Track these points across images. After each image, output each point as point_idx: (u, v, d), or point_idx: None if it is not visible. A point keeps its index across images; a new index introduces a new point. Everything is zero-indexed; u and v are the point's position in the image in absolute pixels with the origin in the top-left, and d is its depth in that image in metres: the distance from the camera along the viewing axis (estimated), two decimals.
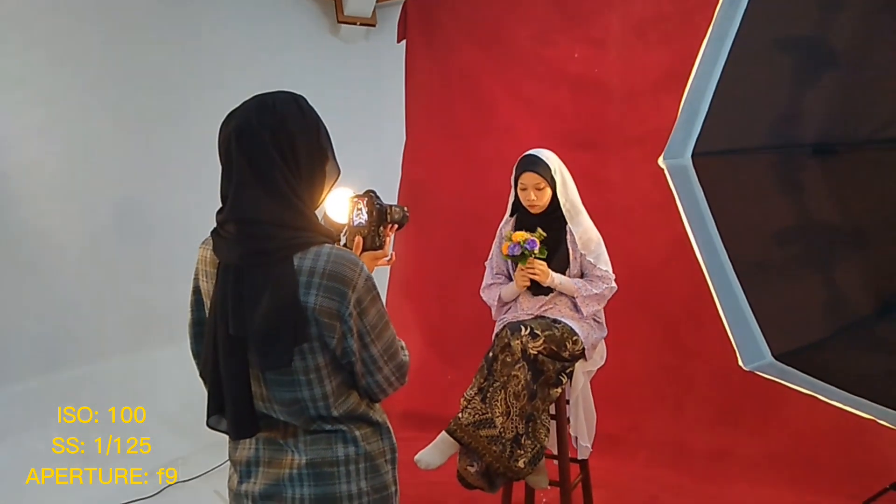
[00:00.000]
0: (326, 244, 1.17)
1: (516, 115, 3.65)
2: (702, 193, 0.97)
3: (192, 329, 1.32)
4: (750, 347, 0.99)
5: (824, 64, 0.89)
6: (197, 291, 1.29)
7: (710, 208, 0.96)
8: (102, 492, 3.01)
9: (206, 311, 1.24)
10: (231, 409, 1.16)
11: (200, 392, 3.97)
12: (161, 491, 3.10)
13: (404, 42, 4.08)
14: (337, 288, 1.13)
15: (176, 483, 3.18)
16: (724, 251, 0.96)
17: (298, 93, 1.24)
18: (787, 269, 0.97)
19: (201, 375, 1.26)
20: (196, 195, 3.91)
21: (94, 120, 3.41)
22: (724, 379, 3.14)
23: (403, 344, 1.31)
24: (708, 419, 3.16)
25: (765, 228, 0.97)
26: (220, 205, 1.21)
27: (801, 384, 1.02)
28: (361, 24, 5.04)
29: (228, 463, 1.35)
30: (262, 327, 1.10)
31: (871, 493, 2.72)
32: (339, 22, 5.00)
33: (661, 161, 1.05)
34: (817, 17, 0.90)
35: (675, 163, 0.98)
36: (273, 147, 1.14)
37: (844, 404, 1.03)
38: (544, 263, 2.46)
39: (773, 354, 0.97)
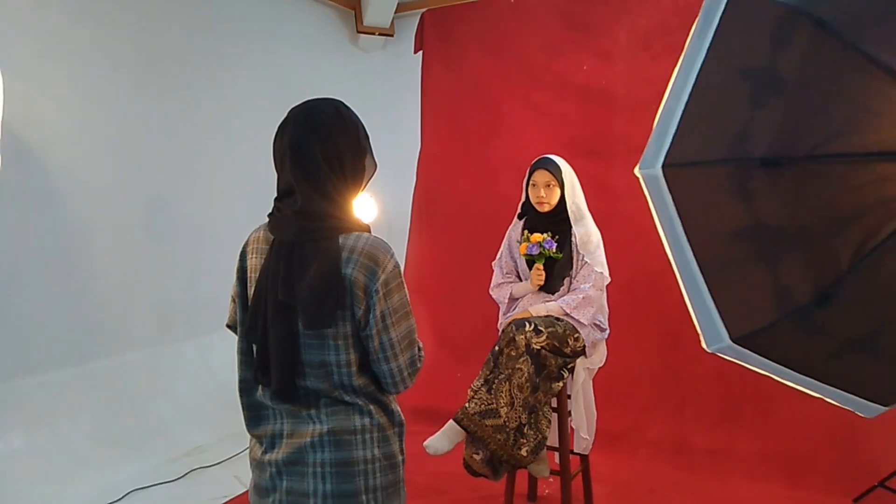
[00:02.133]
0: (366, 233, 1.36)
1: (526, 124, 3.83)
2: (671, 199, 1.14)
3: (236, 300, 1.48)
4: (711, 332, 1.16)
5: (773, 91, 1.06)
6: (242, 269, 1.46)
7: (678, 212, 1.13)
8: (130, 475, 3.21)
9: (250, 285, 1.42)
10: (277, 366, 1.33)
11: (219, 385, 4.22)
12: (185, 475, 3.28)
13: (420, 52, 4.26)
14: (370, 266, 1.32)
15: (199, 468, 3.35)
16: (690, 249, 1.13)
17: (339, 98, 1.42)
18: (741, 264, 1.14)
19: (246, 338, 1.42)
20: (219, 198, 4.16)
21: (126, 125, 3.63)
22: (723, 380, 3.30)
23: (421, 346, 1.47)
24: (707, 418, 3.31)
25: (722, 229, 1.14)
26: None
27: (756, 365, 1.19)
28: (380, 35, 5.25)
29: (250, 440, 1.51)
30: (310, 293, 1.29)
31: (862, 490, 2.87)
32: (358, 32, 5.22)
33: (636, 171, 1.22)
34: (769, 51, 1.07)
35: (648, 173, 1.15)
36: (322, 159, 1.33)
37: (794, 383, 1.20)
38: (543, 277, 2.64)
39: (731, 338, 1.14)
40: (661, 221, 1.17)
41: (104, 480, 3.15)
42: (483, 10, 3.98)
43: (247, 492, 3.15)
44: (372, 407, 1.40)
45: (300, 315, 1.31)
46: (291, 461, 1.37)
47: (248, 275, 1.43)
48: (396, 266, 1.37)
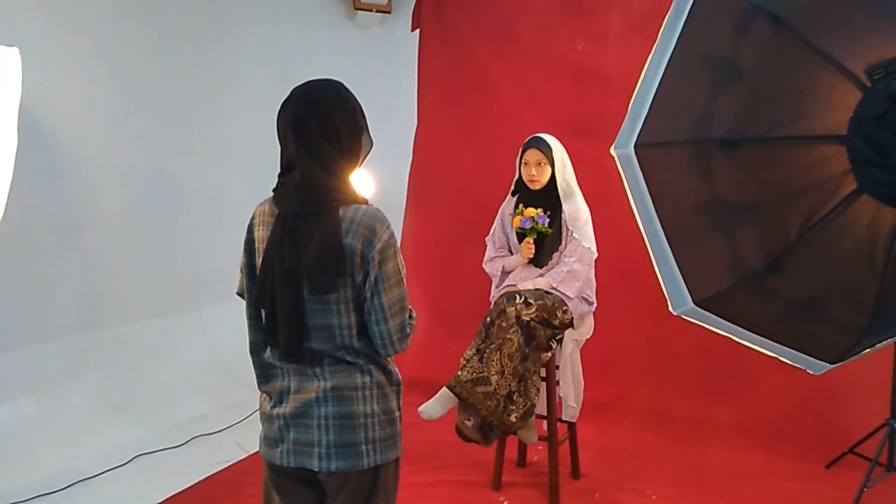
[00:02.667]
0: (365, 206, 1.49)
1: (521, 103, 3.95)
2: (641, 175, 1.28)
3: (244, 270, 1.62)
4: (677, 296, 1.30)
5: (733, 79, 1.20)
6: (250, 241, 1.59)
7: (648, 187, 1.27)
8: (136, 440, 3.36)
9: (257, 257, 1.55)
10: (285, 329, 1.47)
11: (218, 356, 4.39)
12: (188, 441, 3.44)
13: (418, 31, 4.35)
14: (367, 235, 1.45)
15: (201, 436, 3.51)
16: (658, 220, 1.27)
17: (338, 80, 1.55)
18: (702, 235, 1.28)
19: (255, 304, 1.56)
20: (221, 173, 4.28)
21: (129, 101, 3.74)
22: (704, 354, 3.47)
23: (414, 314, 1.61)
24: (688, 390, 3.49)
25: (686, 203, 1.28)
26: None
27: (716, 326, 1.33)
28: (377, 11, 5.34)
29: (260, 395, 1.66)
30: (314, 261, 1.42)
31: (834, 457, 3.05)
32: (356, 9, 5.31)
33: (612, 150, 1.36)
34: (731, 43, 1.20)
35: (622, 152, 1.29)
36: (321, 134, 1.46)
37: (750, 342, 1.34)
38: (533, 250, 2.78)
39: (693, 301, 1.28)
40: (632, 195, 1.31)
41: (111, 445, 3.31)
42: None
43: (248, 457, 3.34)
44: (371, 366, 1.55)
45: (305, 282, 1.45)
46: (298, 415, 1.52)
47: (256, 246, 1.56)
48: (392, 236, 1.51)
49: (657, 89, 1.25)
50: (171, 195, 4.04)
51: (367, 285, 1.48)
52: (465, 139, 4.10)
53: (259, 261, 1.53)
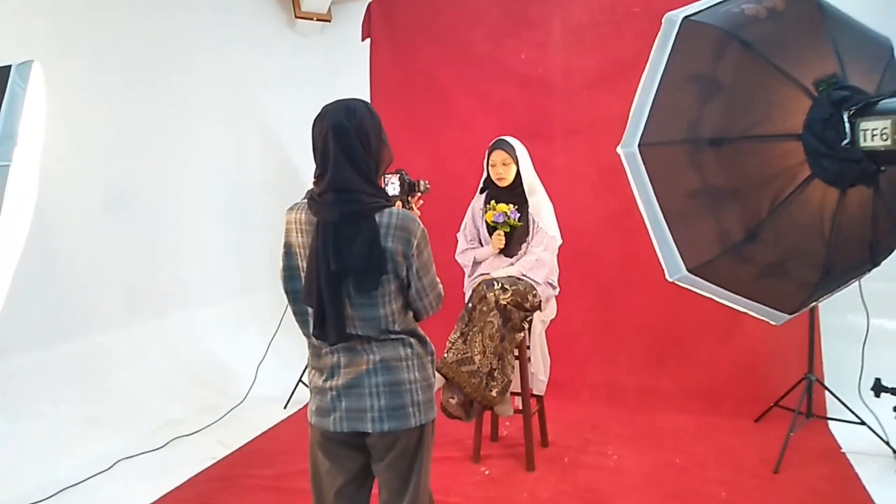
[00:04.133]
0: (393, 207, 1.72)
1: (472, 109, 4.25)
2: (644, 169, 1.59)
3: (284, 273, 1.81)
4: (672, 265, 1.62)
5: (714, 91, 1.53)
6: (288, 245, 1.79)
7: (650, 178, 1.58)
8: (115, 447, 3.41)
9: (297, 259, 1.75)
10: (332, 321, 1.69)
11: (183, 362, 4.47)
12: (168, 443, 3.52)
13: (366, 39, 4.56)
14: (405, 236, 1.69)
15: (179, 437, 3.59)
16: (658, 205, 1.58)
17: (364, 100, 1.78)
18: (694, 214, 1.61)
19: (304, 303, 1.75)
20: (176, 181, 4.32)
21: (86, 111, 3.75)
22: (648, 330, 3.90)
23: (440, 282, 1.87)
24: (636, 363, 3.91)
25: (681, 189, 1.60)
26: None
27: (704, 289, 1.66)
28: (318, 20, 5.49)
29: (310, 371, 1.85)
30: (358, 264, 1.64)
31: (761, 412, 3.52)
32: (296, 17, 5.45)
33: (618, 149, 1.67)
34: (710, 63, 1.53)
35: (628, 150, 1.60)
36: (357, 139, 1.68)
37: (730, 302, 1.68)
38: (503, 241, 3.08)
39: (686, 269, 1.61)
40: (636, 185, 1.62)
41: (91, 453, 3.34)
42: (428, 2, 4.33)
43: (232, 453, 3.45)
44: (412, 340, 1.80)
45: (352, 281, 1.67)
46: (350, 385, 1.74)
47: (295, 250, 1.77)
48: (423, 232, 1.76)
49: (653, 100, 1.57)
50: (132, 206, 4.05)
51: (410, 274, 1.72)
52: (421, 142, 4.36)
53: (301, 264, 1.74)
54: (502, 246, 3.15)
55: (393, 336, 1.76)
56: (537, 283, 3.09)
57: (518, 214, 3.11)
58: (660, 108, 1.58)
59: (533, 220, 3.14)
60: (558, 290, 3.25)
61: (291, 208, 1.80)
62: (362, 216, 1.66)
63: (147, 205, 4.15)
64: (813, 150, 1.48)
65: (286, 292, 1.83)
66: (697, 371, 3.82)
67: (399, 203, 1.97)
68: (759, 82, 1.50)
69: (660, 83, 1.57)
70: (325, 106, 1.75)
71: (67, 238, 3.71)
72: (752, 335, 3.67)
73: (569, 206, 3.92)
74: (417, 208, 2.07)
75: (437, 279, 1.84)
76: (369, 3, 4.45)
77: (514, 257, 3.17)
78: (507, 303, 2.96)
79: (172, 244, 4.33)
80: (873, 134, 1.38)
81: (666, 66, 1.56)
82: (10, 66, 1.70)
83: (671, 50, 1.55)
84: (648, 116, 1.59)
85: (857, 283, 1.96)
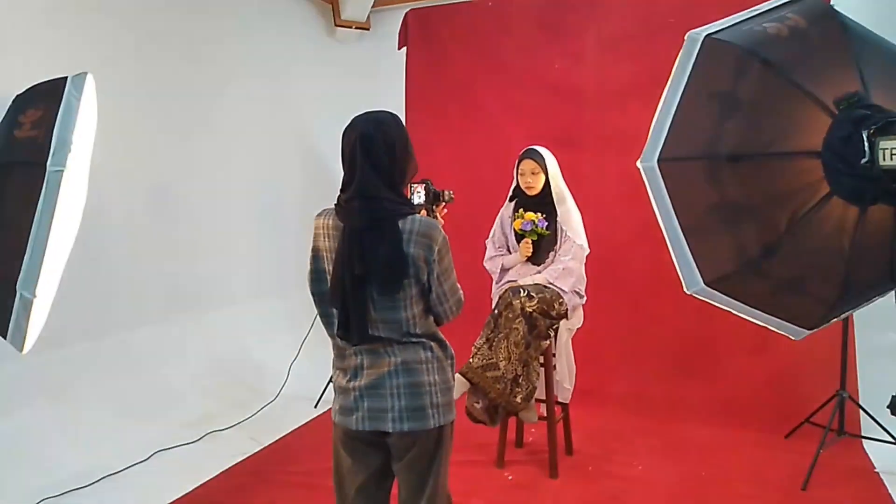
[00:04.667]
0: (416, 214, 1.78)
1: (504, 117, 4.31)
2: (663, 184, 1.62)
3: (312, 276, 1.90)
4: (690, 278, 1.65)
5: (733, 108, 1.56)
6: (316, 249, 1.87)
7: (668, 193, 1.62)
8: (152, 438, 3.54)
9: (324, 263, 1.83)
10: (356, 322, 1.76)
11: (220, 359, 4.59)
12: (202, 437, 3.64)
13: (402, 48, 4.66)
14: (427, 242, 1.75)
15: (214, 432, 3.71)
16: (676, 218, 1.61)
17: (393, 112, 1.85)
18: (712, 229, 1.63)
19: (330, 304, 1.83)
20: (216, 182, 4.47)
21: (133, 113, 3.91)
22: (677, 341, 3.89)
23: (460, 288, 1.92)
24: (664, 374, 3.90)
25: (699, 204, 1.63)
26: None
27: (721, 303, 1.68)
28: (357, 28, 5.61)
29: (335, 371, 1.93)
30: (381, 268, 1.71)
31: (791, 428, 3.49)
32: (336, 25, 5.57)
33: (638, 164, 1.70)
34: (731, 80, 1.55)
35: (647, 165, 1.64)
36: (384, 149, 1.75)
37: (748, 315, 1.70)
38: (530, 249, 3.12)
39: (704, 282, 1.63)
40: (655, 199, 1.66)
41: (129, 443, 3.48)
42: (463, 12, 4.42)
43: (263, 449, 3.55)
44: (433, 343, 1.86)
45: (375, 284, 1.74)
46: (372, 386, 1.81)
47: (322, 254, 1.85)
48: (444, 238, 1.82)
49: (674, 116, 1.60)
50: (172, 206, 4.21)
51: (431, 279, 1.78)
52: (452, 149, 4.43)
53: (328, 267, 1.81)
54: (530, 254, 3.20)
55: (414, 339, 1.82)
56: (564, 291, 3.12)
57: (546, 223, 3.15)
58: (680, 123, 1.61)
59: (561, 228, 3.17)
60: (585, 298, 3.28)
61: (320, 214, 1.88)
62: (386, 222, 1.73)
63: (189, 205, 4.31)
64: (832, 167, 1.50)
65: (313, 294, 1.91)
66: (727, 383, 3.80)
67: (424, 211, 2.03)
68: (779, 100, 1.52)
69: (681, 99, 1.60)
70: (356, 117, 1.83)
71: (114, 236, 3.88)
72: (784, 348, 3.63)
73: (598, 215, 3.94)
74: (442, 217, 2.13)
75: (458, 285, 1.90)
76: (406, 13, 4.54)
77: (542, 265, 3.21)
78: (533, 310, 3.00)
79: (213, 244, 4.47)
80: (892, 153, 1.39)
81: (687, 83, 1.60)
82: (66, 78, 1.82)
83: (692, 67, 1.59)
84: (668, 132, 1.62)
85: (893, 299, 1.95)
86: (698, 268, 1.62)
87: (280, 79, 5.05)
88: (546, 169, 3.18)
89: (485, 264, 3.37)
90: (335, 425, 1.92)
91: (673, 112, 1.61)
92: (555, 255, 3.20)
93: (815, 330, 1.70)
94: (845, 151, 1.47)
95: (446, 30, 4.41)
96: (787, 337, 1.75)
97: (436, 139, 4.50)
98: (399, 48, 4.57)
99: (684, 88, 1.60)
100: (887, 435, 3.14)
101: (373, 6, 5.49)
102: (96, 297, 3.80)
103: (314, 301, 1.92)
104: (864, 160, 1.43)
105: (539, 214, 3.16)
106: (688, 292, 1.68)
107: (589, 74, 4.15)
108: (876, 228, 1.53)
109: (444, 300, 1.85)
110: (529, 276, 3.17)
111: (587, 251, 3.20)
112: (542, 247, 3.21)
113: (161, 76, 4.11)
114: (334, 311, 1.83)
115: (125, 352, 3.92)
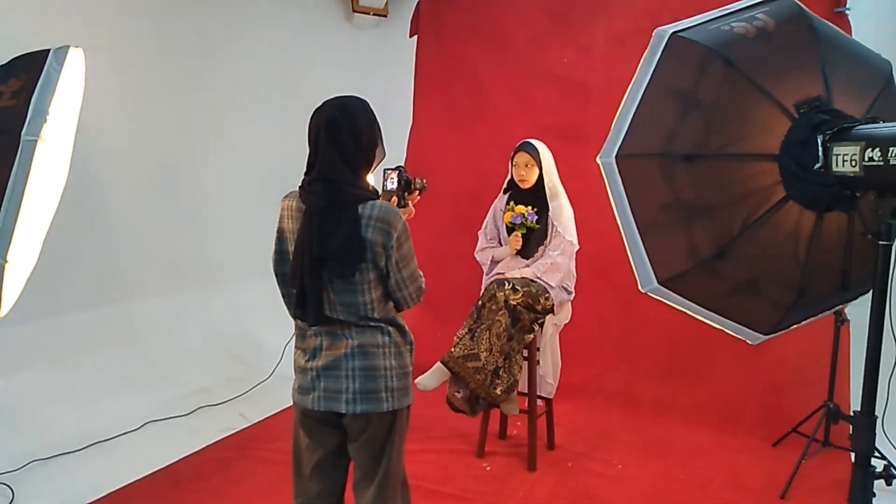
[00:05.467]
0: (377, 200, 1.81)
1: (511, 108, 4.29)
2: (620, 179, 1.62)
3: (276, 257, 1.94)
4: (645, 277, 1.65)
5: (693, 107, 1.54)
6: (281, 231, 1.91)
7: (625, 189, 1.61)
8: (145, 408, 3.65)
9: (287, 244, 1.87)
10: (312, 303, 1.80)
11: (219, 334, 4.69)
12: (194, 411, 3.73)
13: (414, 35, 4.66)
14: (385, 228, 1.78)
15: (206, 406, 3.80)
16: (632, 216, 1.61)
17: (363, 97, 1.87)
18: (666, 227, 1.62)
19: (290, 284, 1.87)
20: (224, 163, 4.55)
21: (144, 91, 4.02)
22: (669, 341, 3.86)
23: (422, 274, 1.95)
24: (654, 374, 3.88)
25: (654, 202, 1.62)
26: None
27: (676, 303, 1.68)
28: (374, 15, 5.64)
29: (295, 352, 1.97)
30: (338, 250, 1.74)
31: (779, 436, 3.45)
32: (354, 11, 5.60)
33: (597, 159, 1.70)
34: (692, 79, 1.54)
35: (606, 160, 1.63)
36: (348, 134, 1.78)
37: (702, 317, 1.69)
38: (520, 242, 3.12)
39: (658, 281, 1.63)
40: (612, 195, 1.66)
41: (123, 412, 3.60)
42: (475, 1, 4.40)
43: (252, 426, 3.63)
44: (391, 328, 1.89)
45: (330, 267, 1.76)
46: (329, 367, 1.85)
47: (286, 235, 1.89)
48: (404, 225, 1.84)
49: (634, 112, 1.59)
50: (180, 183, 4.31)
51: (389, 265, 1.80)
52: (458, 138, 4.43)
53: (290, 248, 1.85)
54: (519, 247, 3.20)
55: (372, 323, 1.85)
56: (551, 286, 3.12)
57: (536, 217, 3.15)
58: (640, 120, 1.60)
59: (552, 223, 3.17)
60: (573, 294, 3.27)
61: (286, 196, 1.92)
62: (346, 206, 1.76)
63: (195, 183, 4.41)
64: (788, 171, 1.48)
65: (276, 274, 1.96)
66: (718, 387, 3.76)
67: (395, 198, 2.05)
68: (739, 101, 1.51)
69: (643, 96, 1.60)
70: (327, 100, 1.85)
71: (119, 208, 3.99)
72: (777, 355, 3.59)
73: (598, 211, 3.90)
74: (413, 205, 2.15)
75: (419, 272, 1.92)
76: (419, 1, 4.54)
77: (531, 259, 3.21)
78: (517, 303, 3.01)
79: (216, 221, 4.56)
80: (844, 159, 1.37)
81: (650, 79, 1.59)
82: (48, 51, 1.87)
83: (657, 64, 1.58)
84: (629, 128, 1.62)
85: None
86: (652, 266, 1.62)
87: (296, 64, 5.10)
88: (540, 163, 3.18)
89: (475, 255, 3.39)
90: (294, 404, 1.96)
91: (634, 108, 1.61)
92: (544, 250, 3.20)
93: (771, 335, 1.69)
94: (802, 156, 1.45)
95: (458, 18, 4.41)
96: (744, 341, 1.73)
97: (441, 126, 4.52)
98: (410, 36, 4.58)
99: (647, 85, 1.59)
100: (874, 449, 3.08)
101: None
102: (101, 268, 3.92)
103: (277, 281, 1.97)
104: (817, 165, 1.42)
105: (529, 208, 3.16)
106: (642, 290, 1.68)
107: (597, 69, 4.11)
108: (832, 236, 1.52)
109: (403, 286, 1.87)
110: (517, 270, 3.17)
111: (577, 247, 3.20)
112: (532, 241, 3.21)
113: (177, 56, 4.20)
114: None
115: (126, 322, 4.04)
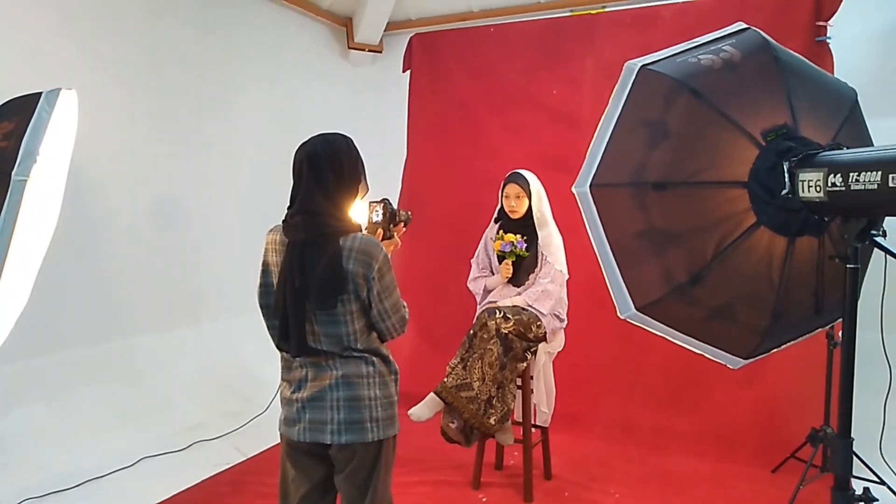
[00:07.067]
0: (359, 233, 1.85)
1: (503, 140, 4.37)
2: (595, 209, 1.66)
3: (261, 290, 1.97)
4: (623, 303, 1.67)
5: (662, 137, 1.59)
6: (265, 264, 1.94)
7: (600, 217, 1.65)
8: (140, 445, 3.64)
9: (271, 277, 1.90)
10: (294, 334, 1.83)
11: (216, 368, 4.70)
12: (190, 446, 3.73)
13: (406, 71, 4.76)
14: (366, 260, 1.81)
15: (201, 441, 3.79)
16: (607, 243, 1.64)
17: (348, 135, 1.93)
18: (641, 255, 1.66)
19: (273, 317, 1.89)
20: (219, 196, 4.61)
21: (139, 129, 4.09)
22: (665, 370, 3.86)
23: (405, 304, 1.98)
24: (652, 402, 3.87)
25: (629, 230, 1.66)
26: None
27: (654, 328, 1.70)
28: (369, 51, 5.76)
29: (281, 383, 1.99)
30: (319, 282, 1.78)
31: (778, 462, 3.42)
32: (349, 48, 5.73)
33: (572, 189, 1.74)
34: (661, 109, 1.59)
35: (581, 190, 1.68)
36: (330, 169, 1.83)
37: (681, 342, 1.71)
38: (510, 270, 3.16)
39: (635, 307, 1.65)
40: (588, 224, 1.69)
41: (117, 448, 3.59)
42: (466, 36, 4.51)
43: (247, 460, 3.62)
44: (375, 359, 1.91)
45: (312, 299, 1.79)
46: (314, 398, 1.87)
47: (270, 268, 1.93)
48: (385, 257, 1.88)
49: (607, 143, 1.64)
50: (175, 217, 4.36)
51: (371, 297, 1.83)
52: (451, 170, 4.50)
53: (274, 280, 1.88)
54: (510, 275, 3.23)
55: (356, 354, 1.87)
56: (542, 314, 3.14)
57: (525, 244, 3.18)
58: (613, 150, 1.65)
59: (541, 252, 3.20)
60: (566, 322, 3.29)
61: (271, 230, 1.96)
62: (327, 239, 1.80)
63: (193, 218, 4.46)
64: (758, 198, 1.52)
65: (261, 307, 1.99)
66: (716, 415, 3.75)
67: (381, 230, 2.09)
68: (706, 130, 1.55)
69: (614, 127, 1.64)
70: (312, 136, 1.91)
71: (113, 245, 4.04)
72: (773, 381, 3.59)
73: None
74: (399, 237, 2.19)
75: (402, 302, 1.95)
76: (411, 37, 4.65)
77: (522, 287, 3.24)
78: (509, 332, 3.03)
79: (213, 255, 4.61)
80: (809, 185, 1.41)
81: (621, 111, 1.64)
82: (40, 94, 1.94)
83: (627, 96, 1.63)
84: (602, 158, 1.66)
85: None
86: (630, 293, 1.65)
87: (293, 99, 5.20)
88: (529, 193, 3.23)
89: (468, 285, 3.42)
90: (281, 436, 1.97)
91: (607, 139, 1.65)
92: (535, 278, 3.23)
93: (751, 360, 1.71)
94: (770, 182, 1.49)
95: (449, 53, 4.51)
96: (725, 365, 1.75)
97: (435, 159, 4.59)
98: (403, 71, 4.68)
99: (618, 116, 1.64)
100: (872, 474, 3.07)
101: (385, 30, 5.64)
102: (95, 305, 3.95)
103: (262, 314, 1.99)
104: (784, 191, 1.45)
105: (519, 236, 3.20)
106: (621, 317, 1.70)
107: (586, 101, 4.19)
108: (805, 261, 1.54)
109: (386, 317, 1.90)
110: (509, 298, 3.20)
111: (566, 276, 3.23)
112: (522, 269, 3.24)
113: (173, 93, 4.29)
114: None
115: (122, 358, 4.06)
